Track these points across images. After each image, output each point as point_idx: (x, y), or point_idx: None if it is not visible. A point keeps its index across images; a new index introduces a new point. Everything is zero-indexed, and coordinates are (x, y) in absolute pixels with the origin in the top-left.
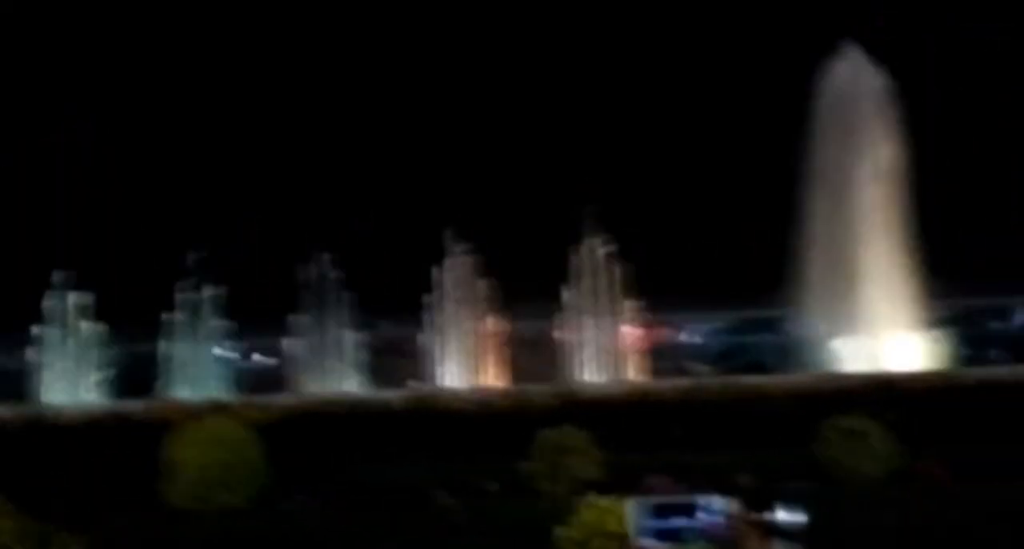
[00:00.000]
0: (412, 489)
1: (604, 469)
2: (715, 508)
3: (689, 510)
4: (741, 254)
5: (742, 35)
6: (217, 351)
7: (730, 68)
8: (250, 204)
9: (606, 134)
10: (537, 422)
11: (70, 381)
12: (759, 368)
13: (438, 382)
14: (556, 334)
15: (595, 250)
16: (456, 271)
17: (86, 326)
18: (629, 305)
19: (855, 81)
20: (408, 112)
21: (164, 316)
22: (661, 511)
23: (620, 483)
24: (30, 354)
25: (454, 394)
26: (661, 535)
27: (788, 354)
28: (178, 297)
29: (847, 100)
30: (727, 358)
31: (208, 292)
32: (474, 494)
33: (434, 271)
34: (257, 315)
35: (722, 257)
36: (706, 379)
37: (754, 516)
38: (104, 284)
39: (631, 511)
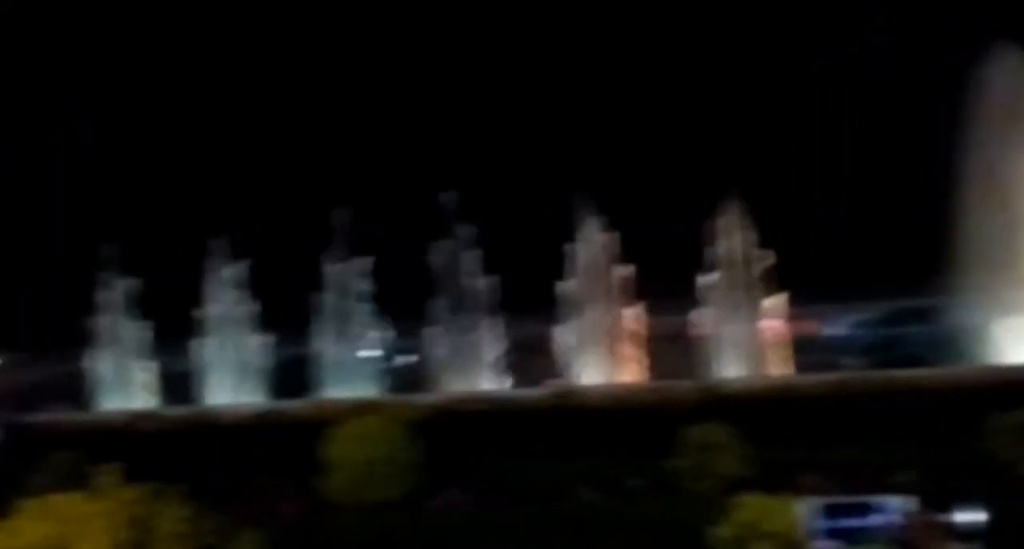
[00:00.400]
0: (557, 485)
1: (751, 466)
2: (891, 508)
3: (864, 510)
4: (890, 241)
5: (902, 26)
6: (364, 352)
7: (883, 56)
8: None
9: (752, 114)
10: (679, 418)
11: (233, 382)
12: (914, 361)
13: (577, 379)
14: (695, 327)
15: (735, 238)
16: (592, 258)
17: (247, 333)
18: (771, 296)
19: (1017, 67)
20: (535, 74)
21: (315, 296)
22: (834, 511)
23: (768, 481)
24: (196, 358)
25: (595, 391)
26: (834, 536)
27: (945, 345)
28: (327, 274)
29: (1007, 82)
30: (877, 351)
31: (357, 274)
32: (619, 491)
33: (568, 258)
34: (393, 299)
35: (869, 244)
36: (856, 373)
37: (933, 516)
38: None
39: (803, 512)
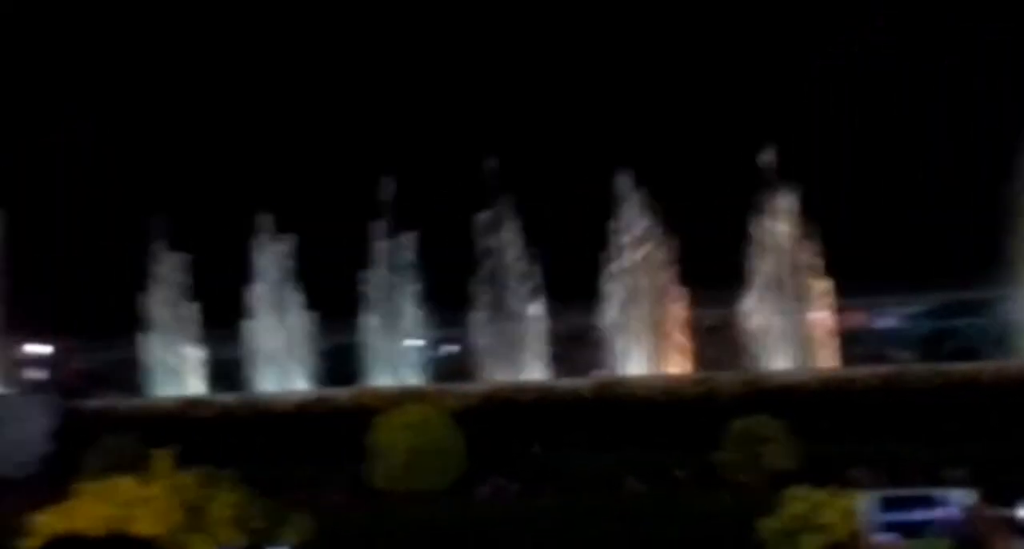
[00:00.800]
0: (602, 476)
1: (799, 460)
2: (952, 502)
3: (923, 503)
4: (944, 230)
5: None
6: (409, 342)
7: (954, 51)
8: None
9: (808, 96)
10: (726, 410)
11: (281, 370)
12: (969, 354)
13: (622, 369)
14: (740, 317)
15: (782, 224)
16: (635, 241)
17: (295, 318)
18: (819, 286)
19: None
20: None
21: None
22: (892, 504)
23: (816, 475)
24: (245, 344)
25: (641, 381)
26: (892, 529)
27: (1000, 338)
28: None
29: None
30: (931, 344)
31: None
32: (665, 482)
33: (612, 241)
34: (438, 284)
35: (922, 233)
36: (909, 366)
37: (998, 511)
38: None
39: (863, 505)
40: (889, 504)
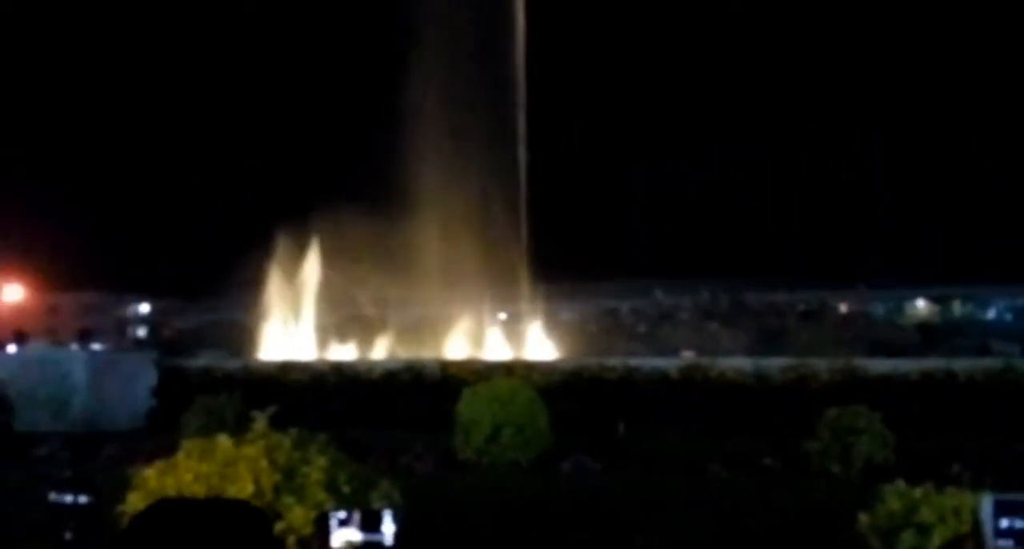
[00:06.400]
0: (686, 459)
1: (894, 453)
2: None
3: None
4: None
5: None
6: (501, 316)
7: None
8: None
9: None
10: (819, 398)
11: (365, 338)
12: None
13: (710, 351)
14: (837, 305)
15: (881, 213)
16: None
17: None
18: (918, 273)
19: None
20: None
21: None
22: (1007, 509)
23: (913, 469)
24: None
25: (732, 366)
26: (1005, 535)
27: None
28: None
29: None
30: None
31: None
32: (752, 469)
33: None
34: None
35: None
36: (1015, 360)
37: None
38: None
39: (986, 508)
40: (1004, 508)
